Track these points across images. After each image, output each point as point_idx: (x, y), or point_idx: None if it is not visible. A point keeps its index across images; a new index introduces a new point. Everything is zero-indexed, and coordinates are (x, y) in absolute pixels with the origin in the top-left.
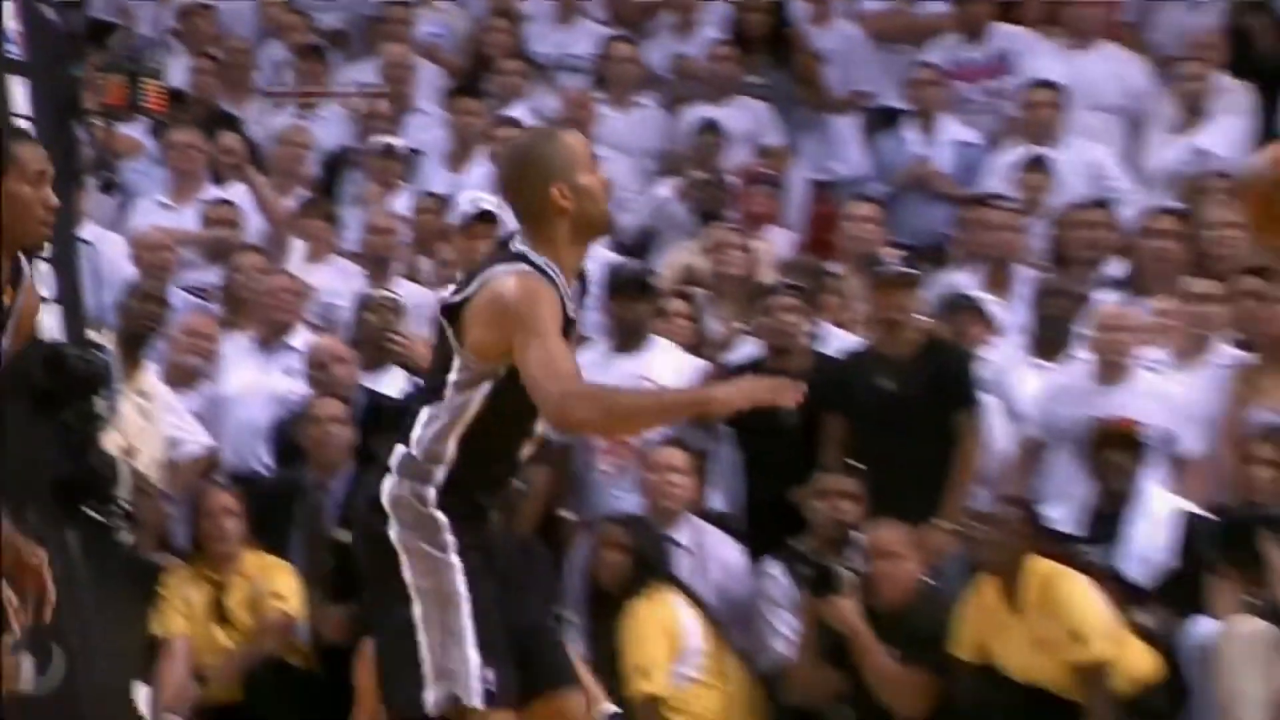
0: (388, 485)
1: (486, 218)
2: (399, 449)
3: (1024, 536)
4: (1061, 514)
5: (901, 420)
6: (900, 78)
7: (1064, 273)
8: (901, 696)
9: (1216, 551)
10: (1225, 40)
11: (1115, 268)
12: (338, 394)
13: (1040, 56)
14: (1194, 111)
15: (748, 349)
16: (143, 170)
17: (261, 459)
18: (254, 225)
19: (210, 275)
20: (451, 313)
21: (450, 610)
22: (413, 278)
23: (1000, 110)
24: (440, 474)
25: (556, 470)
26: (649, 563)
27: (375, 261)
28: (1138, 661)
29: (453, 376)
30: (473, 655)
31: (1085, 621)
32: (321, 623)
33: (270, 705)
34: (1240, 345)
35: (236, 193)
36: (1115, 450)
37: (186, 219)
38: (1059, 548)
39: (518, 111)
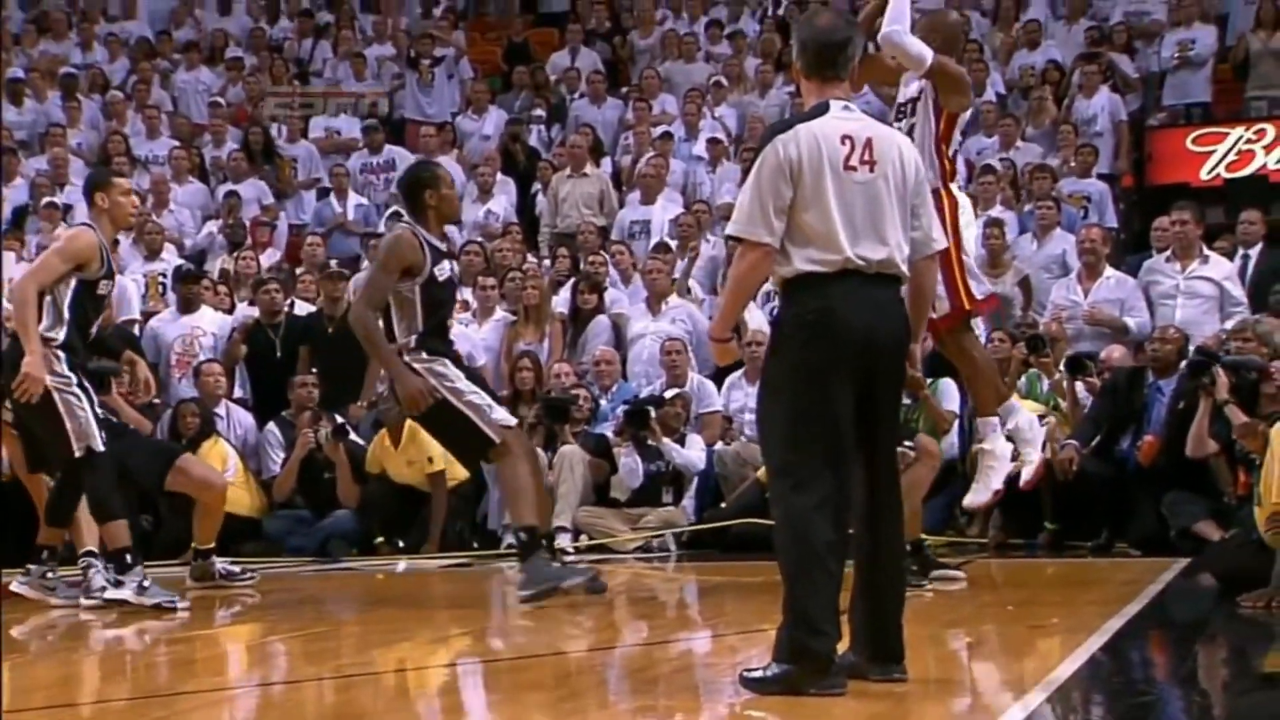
0: None
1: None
2: None
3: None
4: None
5: (340, 348)
6: (331, 171)
7: None
8: (350, 496)
9: None
10: (502, 154)
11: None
12: None
13: (406, 162)
14: (486, 191)
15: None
16: None
17: None
18: None
19: None
20: None
21: None
22: None
23: (386, 189)
24: None
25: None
26: (206, 423)
27: None
28: (459, 471)
29: None
30: None
31: (433, 451)
32: None
33: None
34: (510, 311)
35: None
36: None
37: None
38: None
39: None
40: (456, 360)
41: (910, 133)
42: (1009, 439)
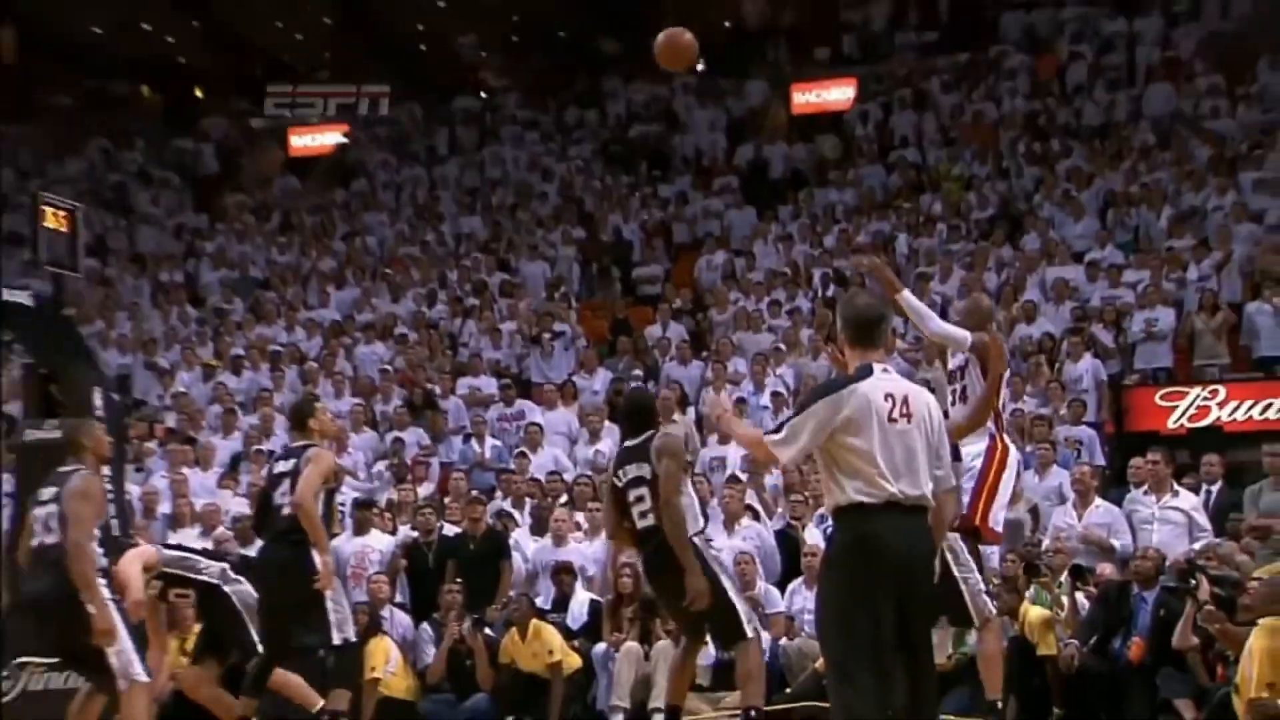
0: None
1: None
2: None
3: (528, 612)
4: (542, 600)
5: (479, 561)
6: (473, 420)
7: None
8: (487, 681)
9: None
10: (608, 405)
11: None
12: None
13: (534, 414)
14: (595, 435)
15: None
16: None
17: None
18: None
19: None
20: None
21: None
22: None
23: (516, 434)
24: None
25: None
26: (374, 623)
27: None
28: (573, 661)
29: None
30: None
31: (553, 645)
32: None
33: None
34: None
35: None
36: (567, 575)
37: None
38: (539, 613)
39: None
40: None
41: (964, 393)
42: None
